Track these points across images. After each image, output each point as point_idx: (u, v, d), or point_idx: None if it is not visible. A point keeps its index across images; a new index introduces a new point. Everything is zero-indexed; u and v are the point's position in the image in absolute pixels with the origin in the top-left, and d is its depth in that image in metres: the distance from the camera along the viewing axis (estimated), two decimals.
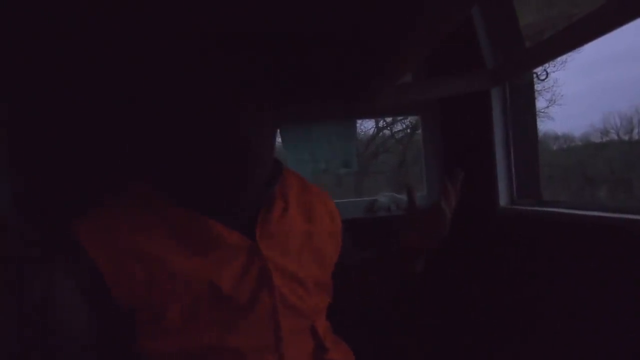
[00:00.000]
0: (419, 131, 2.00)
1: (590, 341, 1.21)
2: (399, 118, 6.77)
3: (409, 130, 7.00)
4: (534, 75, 1.60)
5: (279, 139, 1.85)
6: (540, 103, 6.69)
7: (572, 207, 1.34)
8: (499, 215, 1.65)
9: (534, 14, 1.86)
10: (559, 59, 6.14)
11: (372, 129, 7.34)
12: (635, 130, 7.00)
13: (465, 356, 1.77)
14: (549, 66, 1.49)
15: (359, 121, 6.78)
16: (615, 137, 7.20)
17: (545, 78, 1.58)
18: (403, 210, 1.85)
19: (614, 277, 1.11)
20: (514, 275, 1.57)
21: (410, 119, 6.48)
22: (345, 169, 1.90)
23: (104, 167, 1.35)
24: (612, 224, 1.13)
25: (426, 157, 1.91)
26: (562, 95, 6.66)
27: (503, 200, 1.64)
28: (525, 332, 1.53)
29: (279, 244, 0.83)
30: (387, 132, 7.45)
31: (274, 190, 0.85)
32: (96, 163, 1.37)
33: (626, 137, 7.12)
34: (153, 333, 0.73)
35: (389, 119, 7.05)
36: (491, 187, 1.66)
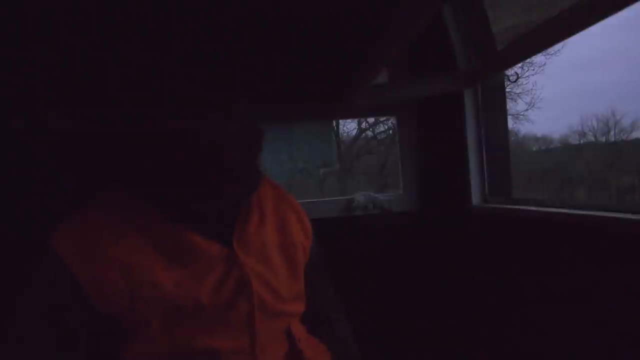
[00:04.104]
0: (398, 132, 2.03)
1: (560, 332, 1.25)
2: (381, 119, 6.82)
3: (391, 132, 7.06)
4: (505, 77, 1.64)
5: None
6: (520, 106, 6.81)
7: (541, 205, 1.38)
8: (472, 213, 1.69)
9: (514, 17, 1.90)
10: (537, 62, 6.25)
11: (355, 130, 7.39)
12: (612, 132, 7.17)
13: (441, 348, 1.80)
14: (527, 69, 1.53)
15: (341, 122, 6.83)
16: (592, 138, 7.36)
17: (516, 80, 1.62)
18: (379, 208, 1.88)
19: (583, 270, 1.16)
20: (487, 271, 1.61)
21: (393, 121, 6.54)
22: (324, 169, 1.92)
23: (79, 176, 1.33)
24: (579, 220, 1.17)
25: (402, 156, 1.94)
26: (541, 99, 6.78)
27: (475, 198, 1.68)
28: (498, 325, 1.57)
29: (256, 253, 0.84)
30: (369, 133, 7.50)
31: (251, 200, 0.86)
32: (72, 171, 1.35)
33: (603, 139, 7.29)
34: (133, 338, 0.73)
35: (371, 120, 7.10)
36: (464, 186, 1.70)
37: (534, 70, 6.35)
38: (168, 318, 0.73)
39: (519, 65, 1.47)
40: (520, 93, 6.61)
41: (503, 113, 1.67)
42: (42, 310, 0.71)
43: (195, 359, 0.76)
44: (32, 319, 0.71)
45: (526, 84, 6.47)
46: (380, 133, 7.45)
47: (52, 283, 0.71)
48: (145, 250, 0.74)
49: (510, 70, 1.64)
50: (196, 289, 0.75)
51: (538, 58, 6.00)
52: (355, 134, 7.42)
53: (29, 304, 0.72)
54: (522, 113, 6.84)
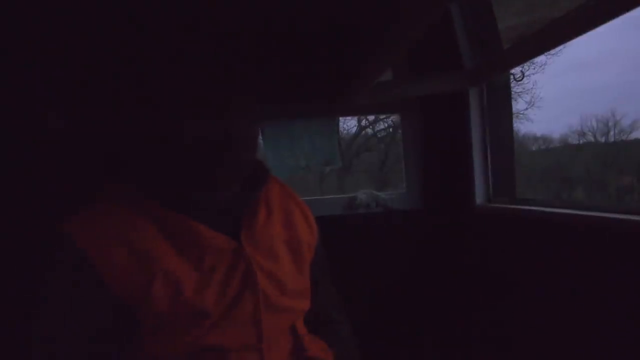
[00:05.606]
0: (401, 130, 2.01)
1: (563, 331, 1.24)
2: (381, 117, 6.81)
3: (391, 130, 7.05)
4: (511, 76, 1.63)
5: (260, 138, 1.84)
6: (520, 105, 6.81)
7: (544, 205, 1.37)
8: (475, 213, 1.68)
9: (516, 17, 1.89)
10: (537, 62, 6.24)
11: (355, 128, 7.38)
12: (611, 133, 7.18)
13: (443, 348, 1.80)
14: (528, 68, 1.52)
15: (341, 120, 6.81)
16: (592, 139, 7.38)
17: (522, 79, 1.61)
18: (382, 207, 1.87)
19: (586, 270, 1.15)
20: (490, 270, 1.60)
21: (393, 118, 6.53)
22: (327, 166, 1.90)
23: (81, 175, 1.32)
24: (583, 221, 1.16)
25: (406, 155, 1.92)
26: (541, 98, 6.79)
27: (479, 198, 1.67)
28: (501, 325, 1.56)
29: (263, 247, 0.84)
30: (369, 131, 7.49)
31: (258, 195, 0.86)
32: (74, 170, 1.34)
33: (602, 139, 7.30)
34: (146, 332, 0.72)
35: (371, 118, 7.09)
36: (468, 186, 1.69)
37: (534, 69, 6.36)
38: (175, 309, 0.72)
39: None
40: (520, 92, 6.62)
41: (508, 112, 1.65)
42: (68, 298, 0.70)
43: (204, 357, 0.75)
44: (59, 311, 0.70)
45: (527, 83, 6.48)
46: (380, 131, 7.45)
47: (73, 269, 0.70)
48: (158, 239, 0.74)
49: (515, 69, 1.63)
50: (203, 278, 0.75)
51: (539, 57, 5.99)
52: (355, 131, 7.42)
53: (53, 293, 0.71)
54: (522, 112, 6.85)
